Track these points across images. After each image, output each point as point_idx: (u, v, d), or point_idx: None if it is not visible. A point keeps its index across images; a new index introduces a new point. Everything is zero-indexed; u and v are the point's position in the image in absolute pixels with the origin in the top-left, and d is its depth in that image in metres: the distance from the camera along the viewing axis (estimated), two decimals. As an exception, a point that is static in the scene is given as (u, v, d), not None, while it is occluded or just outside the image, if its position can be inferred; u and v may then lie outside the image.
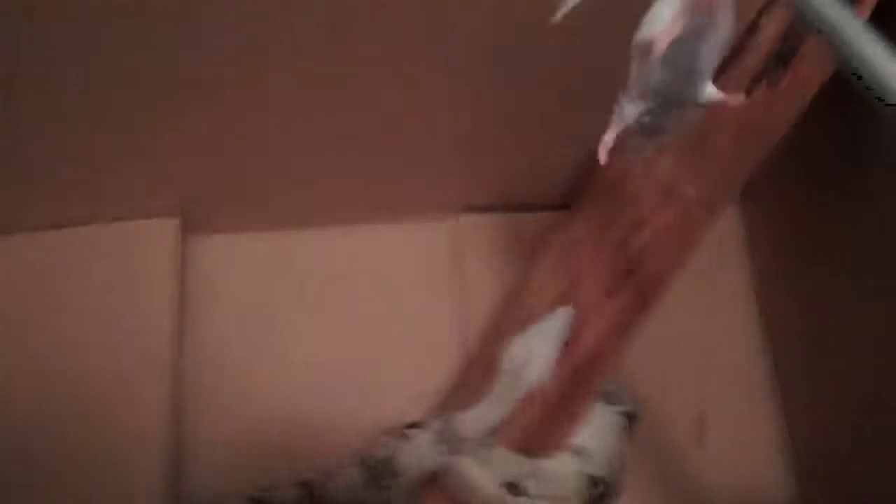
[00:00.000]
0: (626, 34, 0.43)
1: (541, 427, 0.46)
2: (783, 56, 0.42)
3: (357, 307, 0.60)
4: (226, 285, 0.60)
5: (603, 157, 0.41)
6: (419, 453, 0.46)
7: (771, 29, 0.41)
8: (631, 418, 0.50)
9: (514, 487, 0.44)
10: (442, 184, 0.60)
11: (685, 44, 0.37)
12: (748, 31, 0.42)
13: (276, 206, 0.60)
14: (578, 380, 0.45)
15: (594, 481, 0.47)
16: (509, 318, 0.48)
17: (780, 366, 0.58)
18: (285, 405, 0.57)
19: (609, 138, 0.41)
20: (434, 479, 0.45)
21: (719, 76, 0.38)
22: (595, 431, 0.48)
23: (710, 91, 0.38)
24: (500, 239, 0.62)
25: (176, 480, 0.54)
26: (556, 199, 0.60)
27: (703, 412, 0.57)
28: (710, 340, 0.59)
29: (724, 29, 0.37)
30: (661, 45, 0.36)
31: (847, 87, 0.26)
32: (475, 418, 0.44)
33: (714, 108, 0.40)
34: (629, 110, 0.39)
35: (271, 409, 0.57)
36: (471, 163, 0.58)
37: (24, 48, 0.45)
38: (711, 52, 0.38)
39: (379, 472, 0.46)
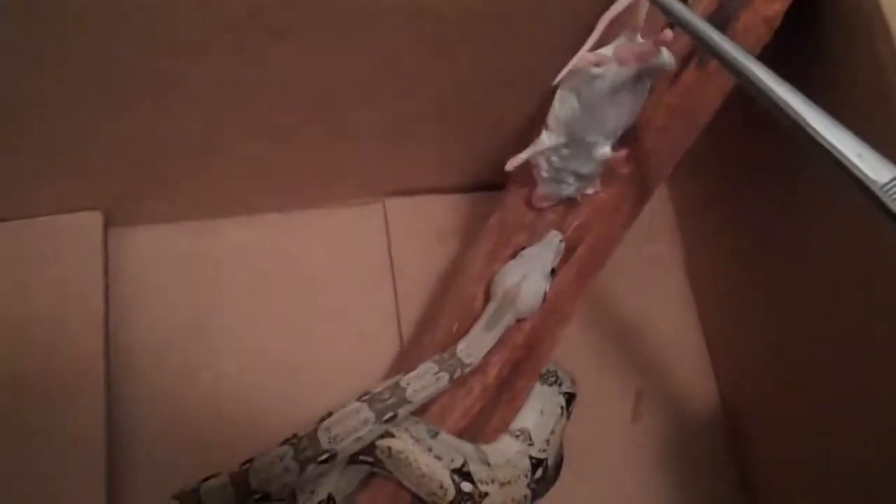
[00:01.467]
0: (552, 33, 0.44)
1: (482, 411, 0.46)
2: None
3: (286, 294, 0.59)
4: (152, 276, 0.59)
5: (510, 168, 0.42)
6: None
7: (700, 9, 0.41)
8: (569, 399, 0.50)
9: (461, 474, 0.44)
10: (369, 169, 0.59)
11: (599, 99, 0.39)
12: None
13: (200, 196, 0.59)
14: (517, 363, 0.45)
15: (535, 463, 0.47)
16: (449, 303, 0.47)
17: (709, 337, 0.60)
18: (217, 395, 0.56)
19: (520, 158, 0.43)
20: (380, 468, 0.44)
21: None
22: (534, 414, 0.48)
23: (605, 150, 0.40)
24: (430, 221, 0.61)
25: (111, 479, 0.53)
26: (489, 179, 0.60)
27: (640, 388, 0.58)
28: (643, 316, 0.60)
29: (640, 95, 0.39)
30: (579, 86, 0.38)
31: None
32: (471, 343, 0.44)
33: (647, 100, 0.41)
34: (545, 138, 0.41)
35: (203, 400, 0.56)
36: (398, 148, 0.57)
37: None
38: (620, 116, 0.39)
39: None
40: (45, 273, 0.56)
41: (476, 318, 0.44)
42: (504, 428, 0.47)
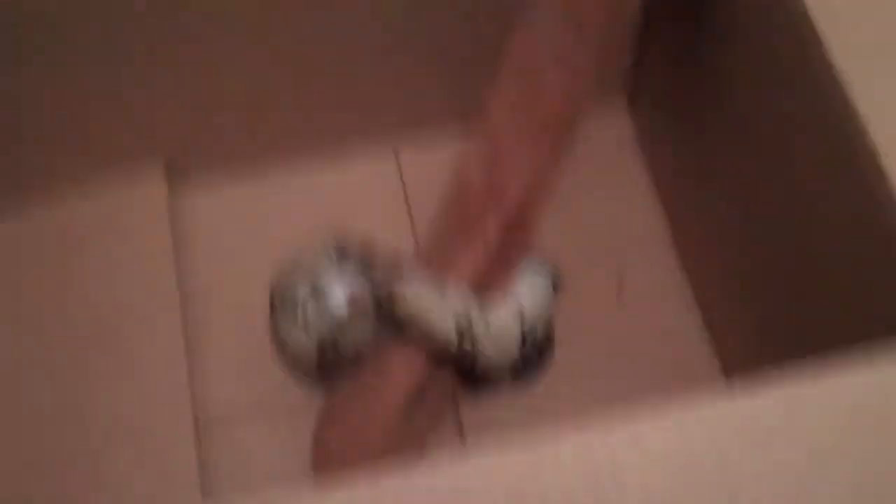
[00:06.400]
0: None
1: (485, 274, 0.56)
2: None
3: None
4: (210, 231, 0.71)
5: None
6: None
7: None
8: (555, 286, 0.60)
9: (466, 329, 0.54)
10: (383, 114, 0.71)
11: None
12: None
13: (246, 153, 0.71)
14: (511, 228, 0.56)
15: (526, 333, 0.57)
16: (450, 193, 0.58)
17: (677, 231, 0.71)
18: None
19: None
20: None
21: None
22: (526, 291, 0.58)
23: None
24: (439, 161, 0.69)
25: (192, 394, 0.63)
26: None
27: (621, 277, 0.69)
28: (618, 222, 0.71)
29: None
30: None
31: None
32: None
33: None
34: None
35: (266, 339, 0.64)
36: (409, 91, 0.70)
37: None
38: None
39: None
40: (118, 235, 0.68)
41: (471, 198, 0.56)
42: (505, 290, 0.57)
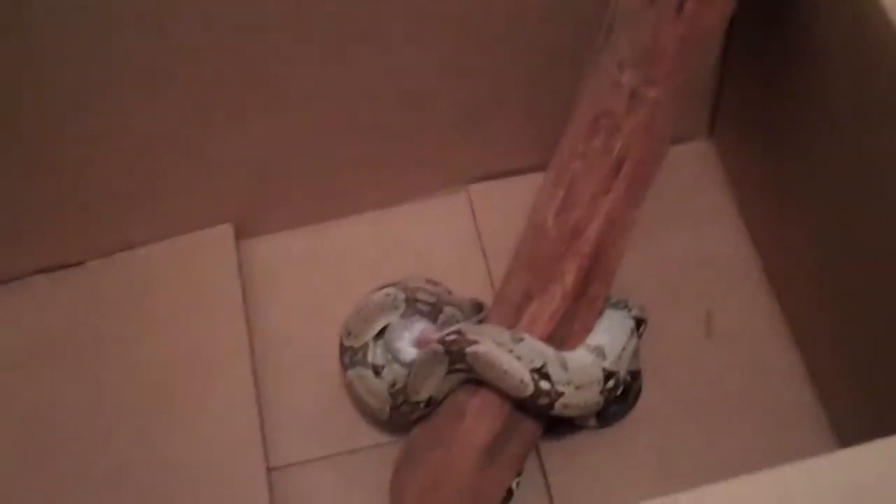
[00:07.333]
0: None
1: (566, 316, 0.54)
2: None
3: (392, 278, 0.65)
4: (278, 276, 0.70)
5: None
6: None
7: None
8: (639, 322, 0.58)
9: (541, 373, 0.52)
10: (452, 158, 0.69)
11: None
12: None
13: (311, 202, 0.70)
14: (589, 271, 0.54)
15: (607, 374, 0.55)
16: (525, 235, 0.56)
17: (768, 262, 0.67)
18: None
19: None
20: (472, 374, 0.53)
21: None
22: (607, 331, 0.56)
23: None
24: (510, 200, 0.69)
25: (263, 440, 0.62)
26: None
27: (710, 309, 0.65)
28: (704, 251, 0.68)
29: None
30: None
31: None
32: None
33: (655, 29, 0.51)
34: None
35: (336, 384, 0.64)
36: (474, 133, 0.67)
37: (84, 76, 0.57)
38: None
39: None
40: (188, 287, 0.68)
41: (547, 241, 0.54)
42: (586, 332, 0.55)
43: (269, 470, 0.61)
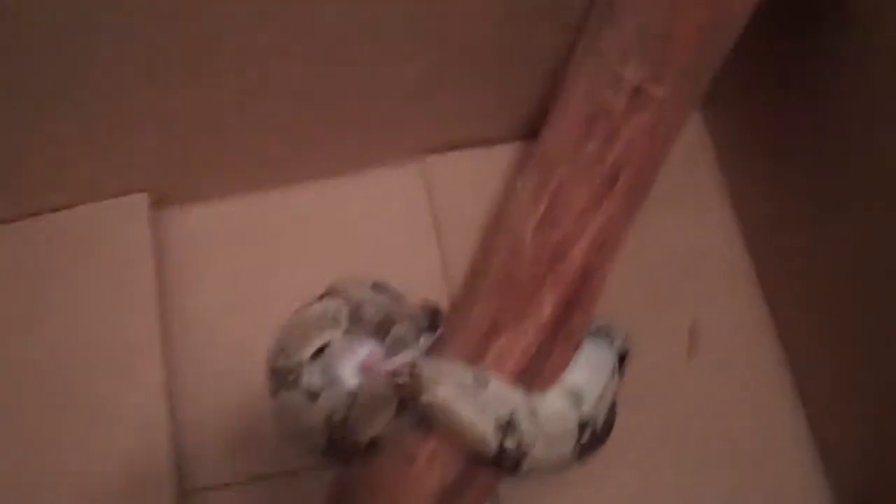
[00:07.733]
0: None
1: (540, 350, 0.45)
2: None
3: (333, 259, 0.59)
4: (203, 254, 0.60)
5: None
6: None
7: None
8: (622, 357, 0.50)
9: (507, 427, 0.44)
10: (406, 128, 0.59)
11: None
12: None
13: (243, 170, 0.60)
14: (571, 298, 0.45)
15: (583, 425, 0.47)
16: (495, 247, 0.48)
17: (762, 268, 0.59)
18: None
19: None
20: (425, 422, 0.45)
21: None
22: (586, 367, 0.48)
23: None
24: (469, 175, 0.61)
25: (177, 457, 0.54)
26: (523, 130, 0.61)
27: (694, 323, 0.58)
28: (691, 250, 0.60)
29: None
30: None
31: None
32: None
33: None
34: None
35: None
36: (431, 104, 0.58)
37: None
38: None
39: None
40: (99, 258, 0.58)
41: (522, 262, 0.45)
42: (561, 369, 0.47)
43: (181, 493, 0.53)
